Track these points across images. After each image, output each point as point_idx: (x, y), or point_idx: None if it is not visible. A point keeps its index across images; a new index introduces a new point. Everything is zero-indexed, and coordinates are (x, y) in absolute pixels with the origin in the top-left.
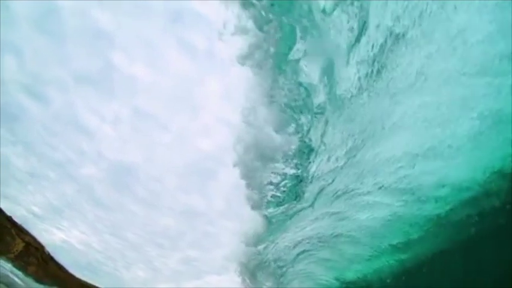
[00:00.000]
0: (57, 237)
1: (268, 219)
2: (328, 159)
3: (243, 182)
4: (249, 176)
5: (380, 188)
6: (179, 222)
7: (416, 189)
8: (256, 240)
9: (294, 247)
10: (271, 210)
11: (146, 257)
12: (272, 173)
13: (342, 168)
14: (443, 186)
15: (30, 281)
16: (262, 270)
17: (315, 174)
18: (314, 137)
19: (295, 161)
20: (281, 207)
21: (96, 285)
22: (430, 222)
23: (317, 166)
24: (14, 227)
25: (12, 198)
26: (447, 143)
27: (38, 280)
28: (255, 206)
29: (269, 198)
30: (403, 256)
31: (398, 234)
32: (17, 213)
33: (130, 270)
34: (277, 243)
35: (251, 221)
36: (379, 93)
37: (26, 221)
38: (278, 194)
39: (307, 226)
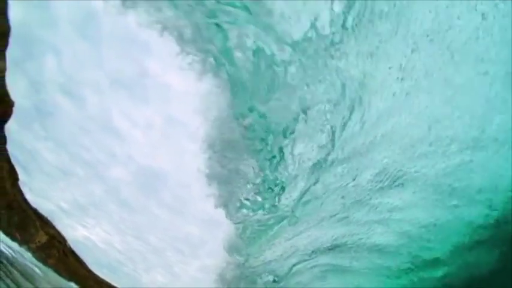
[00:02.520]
0: (80, 234)
1: (243, 225)
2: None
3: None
4: (214, 165)
5: (402, 184)
6: (202, 230)
7: (456, 188)
8: (233, 248)
9: (288, 258)
10: (244, 213)
11: (166, 262)
12: (242, 164)
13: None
14: (491, 185)
15: (49, 273)
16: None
17: (295, 161)
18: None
19: (264, 145)
20: (258, 211)
21: (114, 284)
22: (477, 231)
23: (298, 151)
24: (39, 219)
25: (41, 192)
26: (494, 126)
27: (57, 273)
28: (219, 204)
29: (242, 200)
30: (441, 272)
31: (435, 244)
32: (44, 206)
33: (150, 273)
34: (263, 254)
35: (222, 225)
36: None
37: (52, 215)
38: (251, 196)
39: (302, 233)
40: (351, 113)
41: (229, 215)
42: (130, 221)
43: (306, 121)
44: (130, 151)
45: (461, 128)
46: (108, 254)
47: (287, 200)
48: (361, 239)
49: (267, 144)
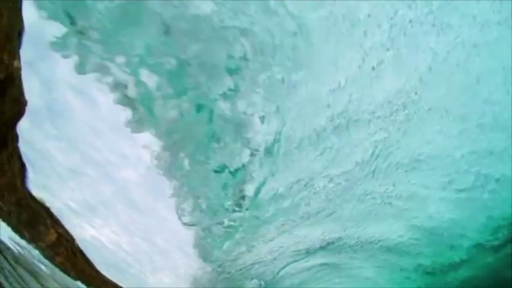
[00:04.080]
0: (88, 234)
1: (201, 227)
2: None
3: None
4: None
5: (399, 168)
6: None
7: (479, 178)
8: (201, 252)
9: (275, 260)
10: (200, 213)
11: (173, 264)
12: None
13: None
14: None
15: (56, 271)
16: None
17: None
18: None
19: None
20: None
21: (120, 285)
22: (504, 230)
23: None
24: (50, 217)
25: (50, 191)
26: None
27: (64, 271)
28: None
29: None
30: (461, 274)
31: (455, 242)
32: (53, 205)
33: (156, 275)
34: (241, 257)
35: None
36: None
37: (60, 214)
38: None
39: (285, 233)
40: (295, 59)
41: (179, 210)
42: (138, 222)
43: (232, 73)
44: (140, 152)
45: (472, 102)
46: (115, 254)
47: (240, 196)
48: (355, 233)
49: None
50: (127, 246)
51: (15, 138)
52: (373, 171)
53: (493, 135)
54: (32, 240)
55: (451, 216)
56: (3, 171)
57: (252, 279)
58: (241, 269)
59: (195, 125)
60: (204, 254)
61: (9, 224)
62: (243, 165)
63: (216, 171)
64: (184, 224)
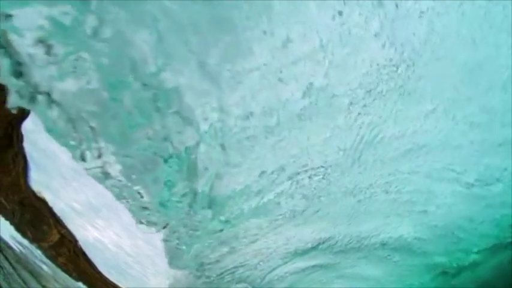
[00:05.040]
0: (91, 235)
1: (163, 229)
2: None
3: None
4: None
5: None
6: None
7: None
8: (170, 257)
9: (262, 262)
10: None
11: None
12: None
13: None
14: None
15: (57, 272)
16: None
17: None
18: None
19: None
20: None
21: (121, 286)
22: None
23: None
24: (53, 217)
25: (54, 191)
26: None
27: (66, 272)
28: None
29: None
30: (474, 274)
31: (466, 242)
32: (57, 205)
33: (157, 277)
34: (222, 261)
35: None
36: None
37: (63, 215)
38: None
39: (269, 233)
40: None
41: (131, 205)
42: None
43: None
44: None
45: (476, 81)
46: (117, 256)
47: (189, 192)
48: (348, 231)
49: None
50: (129, 248)
51: (20, 137)
52: (359, 159)
53: (504, 121)
54: (35, 240)
55: (459, 211)
56: (8, 171)
57: (237, 283)
58: (222, 273)
59: (103, 101)
60: (171, 256)
61: (12, 223)
62: (185, 152)
63: (129, 157)
64: (139, 222)
